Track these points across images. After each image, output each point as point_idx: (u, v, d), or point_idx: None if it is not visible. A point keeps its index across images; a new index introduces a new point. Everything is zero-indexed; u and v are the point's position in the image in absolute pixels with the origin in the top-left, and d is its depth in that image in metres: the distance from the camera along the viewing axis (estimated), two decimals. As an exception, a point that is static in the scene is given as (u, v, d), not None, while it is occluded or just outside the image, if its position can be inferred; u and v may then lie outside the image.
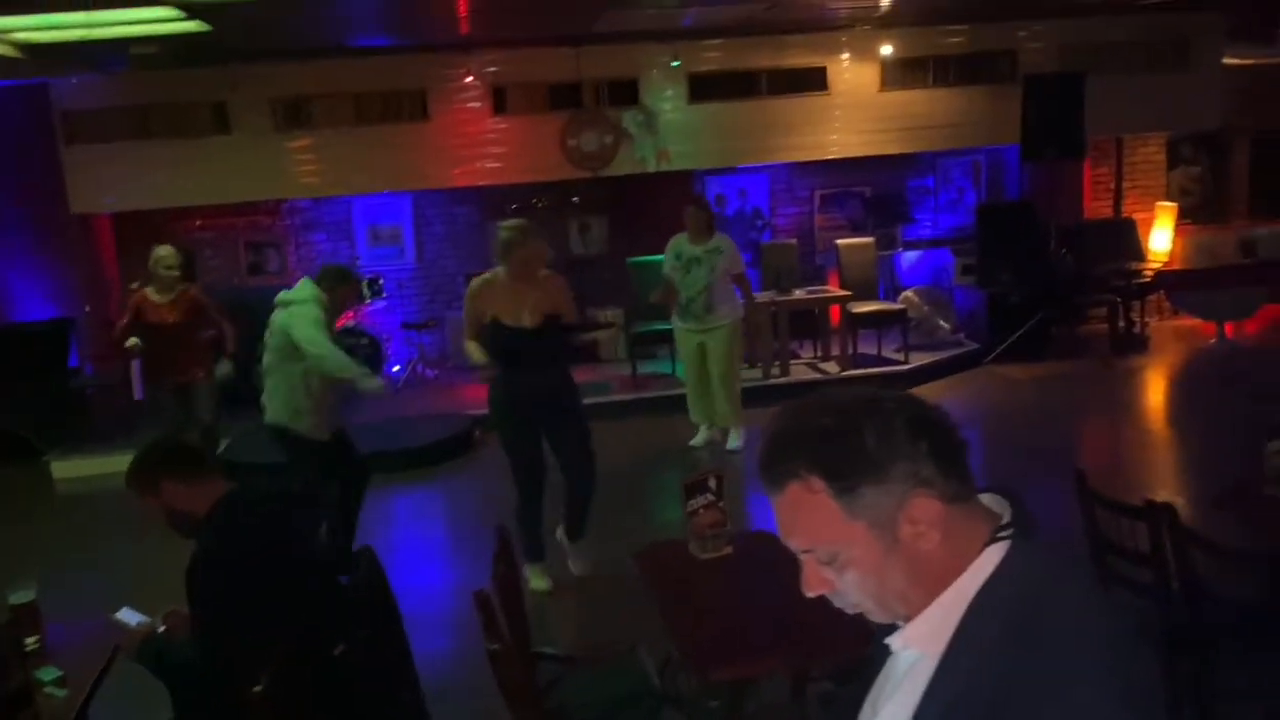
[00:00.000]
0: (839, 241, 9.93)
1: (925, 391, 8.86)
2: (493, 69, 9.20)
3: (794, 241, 10.17)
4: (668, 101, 9.52)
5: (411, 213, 10.30)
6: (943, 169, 10.84)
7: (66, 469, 7.82)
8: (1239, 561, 2.96)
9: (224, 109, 8.93)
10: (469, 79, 9.14)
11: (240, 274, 10.11)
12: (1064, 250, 9.48)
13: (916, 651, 1.27)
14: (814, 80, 9.67)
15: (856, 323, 9.38)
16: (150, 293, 6.80)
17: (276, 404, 5.12)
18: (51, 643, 3.21)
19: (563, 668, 3.29)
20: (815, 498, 1.23)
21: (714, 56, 9.51)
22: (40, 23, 6.22)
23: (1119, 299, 9.73)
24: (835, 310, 9.42)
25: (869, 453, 1.21)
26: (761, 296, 9.11)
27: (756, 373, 9.00)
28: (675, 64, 9.29)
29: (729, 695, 2.94)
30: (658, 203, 9.59)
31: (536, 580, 5.14)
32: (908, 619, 1.27)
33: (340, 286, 5.20)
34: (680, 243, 6.97)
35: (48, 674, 2.91)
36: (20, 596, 3.16)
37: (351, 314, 9.77)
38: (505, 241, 4.92)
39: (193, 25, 6.47)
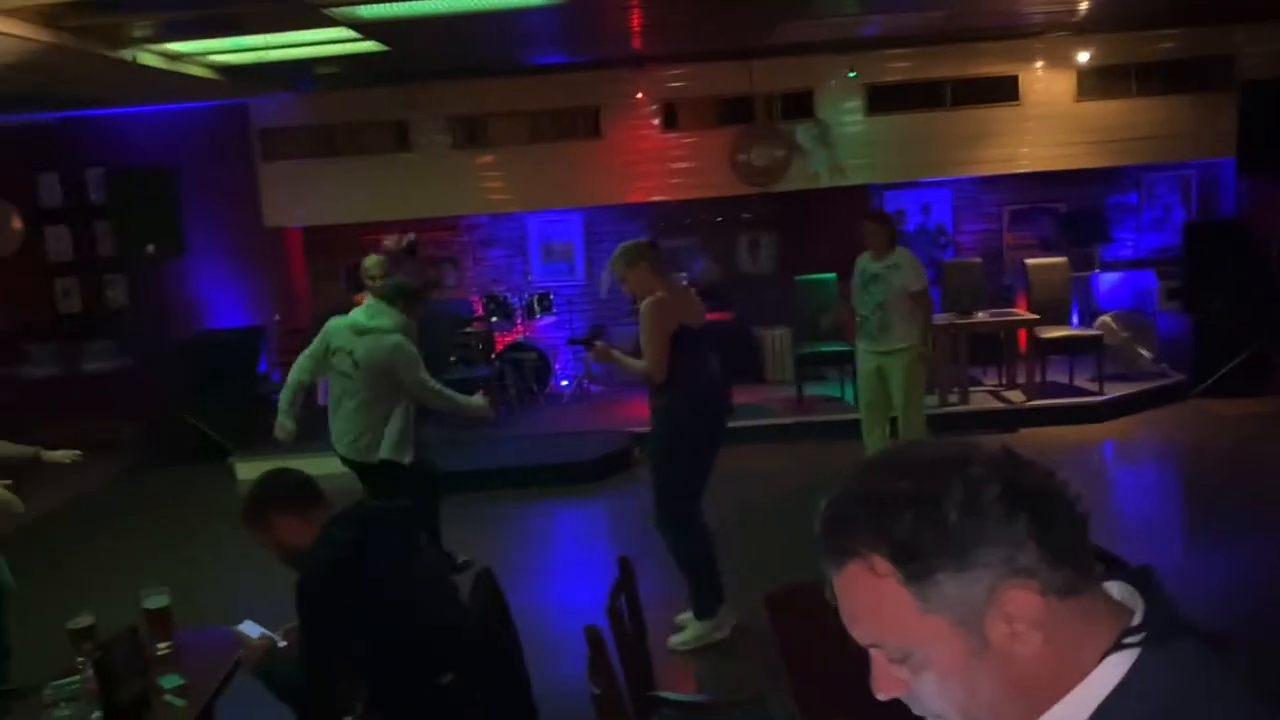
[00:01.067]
0: (1028, 261, 9.30)
1: (1122, 426, 8.17)
2: (664, 85, 9.14)
3: (979, 260, 9.60)
4: (844, 114, 9.19)
5: (583, 230, 10.35)
6: (1147, 184, 10.00)
7: (250, 470, 8.19)
8: None
9: (405, 127, 9.23)
10: (640, 95, 9.10)
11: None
12: (1286, 273, 8.54)
13: None
14: (1004, 90, 9.12)
15: (1046, 349, 8.75)
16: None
17: (356, 436, 5.08)
18: (184, 647, 3.26)
19: (684, 716, 3.08)
20: (881, 582, 0.98)
21: (895, 67, 9.12)
22: (231, 45, 6.56)
23: (1353, 328, 8.66)
24: (1023, 335, 8.82)
25: (949, 530, 0.95)
26: (941, 318, 8.64)
27: (934, 399, 8.52)
28: (852, 75, 8.95)
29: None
30: (831, 219, 9.28)
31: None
32: None
33: (418, 305, 5.24)
34: (863, 259, 6.63)
35: (170, 681, 2.94)
36: (153, 601, 3.22)
37: (520, 329, 9.92)
38: (659, 255, 4.78)
39: (370, 45, 6.67)
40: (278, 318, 9.41)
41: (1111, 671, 0.96)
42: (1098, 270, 9.72)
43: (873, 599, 1.00)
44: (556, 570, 6.28)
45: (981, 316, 8.57)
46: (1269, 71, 8.61)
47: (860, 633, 1.04)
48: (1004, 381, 8.91)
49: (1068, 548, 0.98)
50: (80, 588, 5.93)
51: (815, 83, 9.15)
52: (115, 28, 5.91)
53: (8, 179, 9.14)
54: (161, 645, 3.18)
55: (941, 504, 0.96)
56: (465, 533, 6.48)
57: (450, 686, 2.81)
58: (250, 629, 3.06)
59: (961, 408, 8.40)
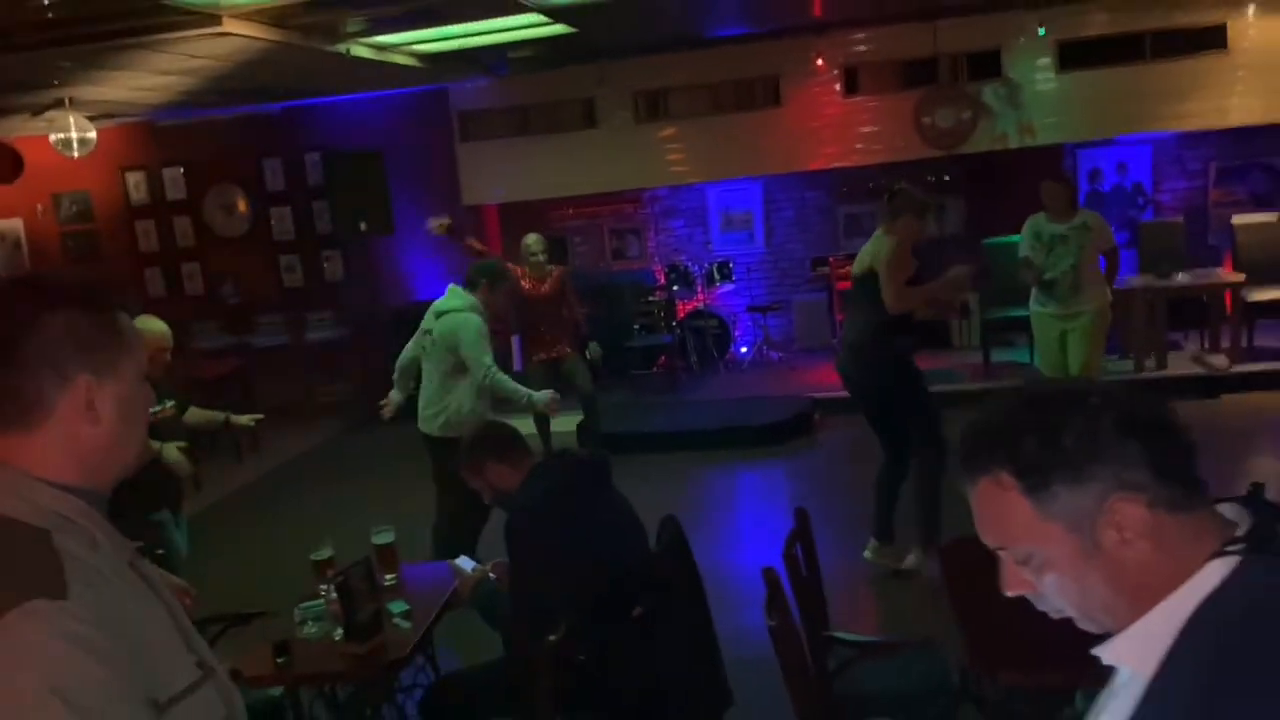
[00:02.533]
0: (1235, 220, 8.80)
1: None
2: (845, 50, 9.11)
3: (1180, 220, 9.15)
4: (1034, 72, 8.91)
5: (762, 198, 10.47)
6: (1377, 133, 9.24)
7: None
8: None
9: (591, 104, 9.58)
10: (820, 61, 9.11)
11: (605, 259, 10.82)
12: None
13: (1129, 669, 1.16)
14: (1211, 39, 8.60)
15: (1255, 311, 8.29)
16: (524, 274, 7.43)
17: (435, 415, 5.13)
18: (407, 579, 3.69)
19: (858, 654, 3.26)
20: (1006, 495, 1.16)
21: (1090, 20, 8.76)
22: (432, 35, 7.04)
23: None
24: (1229, 297, 8.38)
25: (1065, 451, 1.12)
26: (1138, 281, 8.34)
27: (1128, 364, 8.24)
28: (1042, 32, 8.66)
29: (1036, 702, 2.77)
30: (1020, 180, 9.02)
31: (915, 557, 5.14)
32: (1113, 630, 1.16)
33: (500, 285, 5.14)
34: (1039, 222, 6.50)
35: (397, 607, 3.35)
36: (382, 538, 3.66)
37: (701, 297, 10.16)
38: (920, 202, 5.01)
39: (559, 28, 7.02)
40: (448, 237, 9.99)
41: (1213, 575, 1.09)
42: (1317, 227, 9.07)
43: (999, 509, 1.17)
44: (737, 526, 6.52)
45: (1182, 278, 8.20)
46: None
47: (990, 539, 1.21)
48: (1207, 345, 8.49)
49: (1176, 467, 1.12)
50: (313, 529, 6.56)
51: (1003, 41, 8.90)
52: (332, 24, 6.47)
53: (238, 165, 10.07)
54: (389, 576, 3.61)
55: (1060, 430, 1.13)
56: (648, 491, 6.81)
57: (639, 620, 3.09)
58: (465, 563, 3.44)
59: (1158, 373, 8.09)
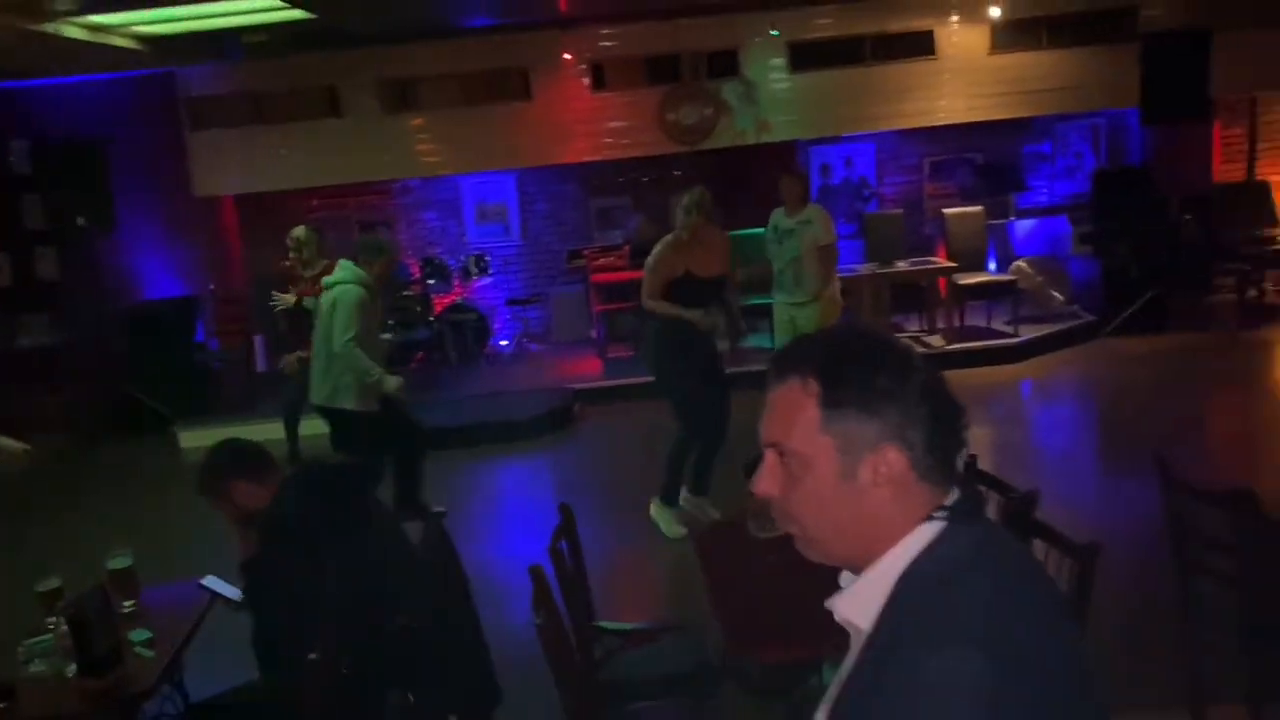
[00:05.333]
0: (945, 211, 9.67)
1: (1037, 365, 8.61)
2: (592, 45, 9.25)
3: (899, 211, 9.94)
4: (768, 71, 9.40)
5: (516, 191, 10.47)
6: (1060, 134, 10.41)
7: (193, 438, 8.28)
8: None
9: (335, 93, 9.24)
10: (568, 56, 9.21)
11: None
12: (1187, 217, 8.99)
13: (856, 627, 1.28)
14: (921, 45, 9.40)
15: (964, 294, 9.14)
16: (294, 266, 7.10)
17: (322, 384, 5.42)
18: (150, 604, 3.44)
19: (623, 642, 3.35)
20: (805, 399, 1.26)
21: (816, 24, 9.34)
22: (154, 16, 6.56)
23: (1248, 268, 9.19)
24: (943, 282, 9.19)
25: (873, 385, 1.23)
26: (864, 268, 8.97)
27: (858, 346, 8.86)
28: (775, 33, 9.15)
29: (788, 674, 2.96)
30: (759, 175, 9.51)
31: (677, 528, 5.49)
32: (828, 561, 1.30)
33: (378, 259, 5.43)
34: (777, 215, 6.90)
35: (139, 635, 3.12)
36: (118, 563, 3.40)
37: (458, 291, 10.06)
38: (697, 202, 5.37)
39: (296, 13, 6.71)
40: (213, 287, 9.44)
41: (922, 536, 1.24)
42: (1013, 217, 10.12)
43: (791, 409, 1.27)
44: (503, 522, 6.52)
45: (902, 266, 8.92)
46: (1169, 23, 9.01)
47: (770, 432, 1.30)
48: (925, 327, 9.29)
49: (943, 447, 1.25)
50: (36, 558, 6.00)
51: (739, 41, 9.33)
52: (35, 0, 5.90)
53: (-71, 153, 8.98)
54: (127, 603, 3.36)
55: (879, 368, 1.24)
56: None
57: (404, 627, 3.04)
58: (212, 583, 3.25)
59: (886, 354, 8.74)
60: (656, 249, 5.42)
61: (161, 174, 9.16)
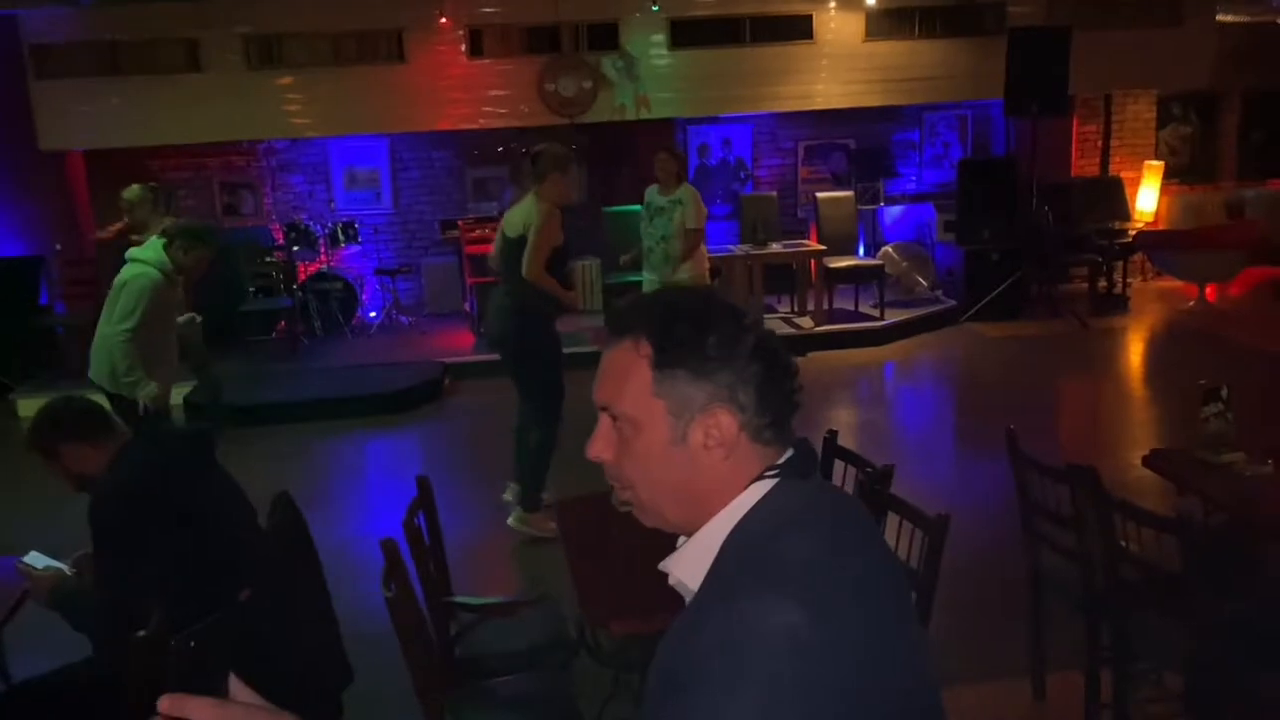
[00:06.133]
0: (818, 195, 9.83)
1: (900, 348, 8.85)
2: (470, 10, 9.04)
3: (774, 194, 10.06)
4: (648, 47, 9.36)
5: (388, 156, 10.18)
6: (928, 123, 10.69)
7: (32, 406, 7.72)
8: (1156, 527, 2.93)
9: (195, 46, 8.78)
10: (444, 20, 8.97)
11: (215, 216, 10.00)
12: (1045, 208, 9.37)
13: (688, 586, 1.25)
14: (799, 28, 9.50)
15: (833, 278, 9.31)
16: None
17: (99, 363, 4.91)
18: (-33, 581, 3.20)
19: (478, 617, 3.28)
20: (636, 361, 1.23)
21: (698, 1, 9.34)
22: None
23: (1100, 259, 9.64)
24: (814, 265, 9.35)
25: (703, 348, 1.21)
26: (738, 249, 9.05)
27: (731, 325, 8.95)
28: (655, 9, 9.11)
29: (645, 646, 2.94)
30: (638, 151, 9.48)
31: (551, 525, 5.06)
32: (664, 526, 1.28)
33: (196, 249, 4.89)
34: (651, 192, 6.87)
35: (-49, 613, 2.90)
36: (-70, 535, 3.14)
37: (324, 258, 9.73)
38: (563, 157, 4.99)
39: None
40: (59, 247, 8.88)
41: (752, 495, 1.22)
42: (883, 204, 10.36)
43: (623, 371, 1.24)
44: (363, 498, 6.35)
45: (775, 247, 9.03)
46: (1034, 19, 9.34)
47: (602, 394, 1.27)
48: (795, 309, 9.44)
49: (776, 408, 1.24)
50: None
51: (620, 14, 9.26)
52: None
53: None
54: (-59, 580, 3.11)
55: (709, 329, 1.21)
56: (271, 464, 6.45)
57: (246, 603, 2.90)
58: (36, 560, 3.03)
59: (757, 333, 8.85)
60: (538, 216, 4.91)
61: (1, 125, 8.55)
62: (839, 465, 3.45)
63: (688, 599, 1.26)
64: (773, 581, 1.10)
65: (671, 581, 1.28)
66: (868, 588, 1.16)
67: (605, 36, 9.27)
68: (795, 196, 10.56)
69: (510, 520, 5.22)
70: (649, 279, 6.90)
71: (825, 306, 9.22)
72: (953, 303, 9.58)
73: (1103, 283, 9.80)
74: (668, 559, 1.29)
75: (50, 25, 8.54)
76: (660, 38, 9.35)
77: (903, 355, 8.79)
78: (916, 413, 7.82)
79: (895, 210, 10.47)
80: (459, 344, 9.03)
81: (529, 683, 3.14)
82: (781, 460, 1.24)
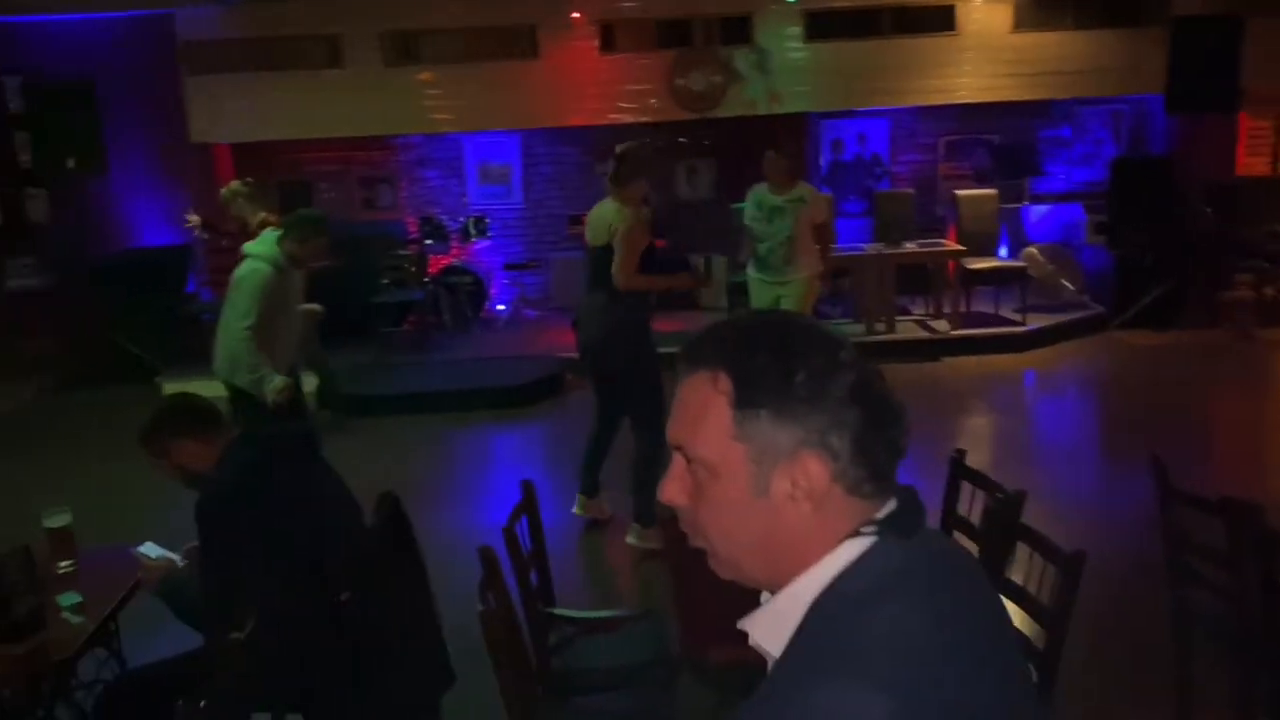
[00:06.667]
0: (957, 192, 9.42)
1: (1042, 356, 8.38)
2: (602, 4, 8.99)
3: (911, 191, 9.69)
4: (782, 40, 9.12)
5: (520, 152, 10.24)
6: (1080, 118, 10.11)
7: (175, 389, 8.12)
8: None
9: (336, 42, 9.00)
10: (577, 15, 8.94)
11: (355, 208, 10.26)
12: (1207, 209, 8.72)
13: (769, 652, 1.10)
14: (941, 20, 9.11)
15: (972, 279, 8.91)
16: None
17: (221, 359, 4.96)
18: (88, 566, 3.29)
19: (579, 630, 3.19)
20: (714, 397, 1.08)
21: (835, -8, 9.06)
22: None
23: (1267, 265, 8.92)
24: (952, 265, 8.96)
25: (791, 384, 1.05)
26: (871, 248, 8.75)
27: (860, 328, 8.67)
28: (791, 0, 8.86)
29: (747, 676, 2.79)
30: (769, 146, 9.24)
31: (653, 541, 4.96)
32: (741, 581, 1.13)
33: (311, 239, 4.90)
34: (761, 192, 6.65)
35: (67, 599, 2.97)
36: (54, 520, 3.24)
37: (455, 252, 9.86)
38: (648, 162, 4.86)
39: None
40: (206, 237, 9.24)
41: (844, 554, 1.06)
42: (1027, 202, 9.86)
43: (700, 408, 1.09)
44: (473, 493, 6.36)
45: (910, 247, 8.69)
46: (1201, 9, 8.70)
47: (677, 432, 1.12)
48: (931, 311, 9.06)
49: (876, 457, 1.07)
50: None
51: (754, 7, 9.06)
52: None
53: (-80, 87, 8.80)
54: (63, 564, 3.21)
55: (798, 362, 1.05)
56: (388, 456, 6.54)
57: (347, 604, 2.87)
58: (150, 550, 3.09)
59: (887, 336, 8.55)
60: (623, 220, 4.73)
61: (156, 118, 8.95)
62: (966, 489, 3.21)
63: (769, 663, 1.12)
64: (858, 666, 0.95)
65: (751, 643, 1.14)
66: (970, 668, 1.00)
67: (738, 30, 9.09)
68: (934, 194, 10.15)
69: (629, 538, 5.08)
70: (763, 279, 6.67)
71: (962, 309, 8.83)
72: (1101, 309, 9.04)
73: (1269, 290, 9.07)
74: (748, 618, 1.13)
75: (202, 23, 8.89)
76: (795, 30, 9.11)
77: (1045, 363, 8.33)
78: (1057, 426, 7.37)
79: (1041, 210, 9.94)
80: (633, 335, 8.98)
81: (628, 701, 3.03)
82: (881, 515, 1.08)
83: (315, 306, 5.63)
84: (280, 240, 4.88)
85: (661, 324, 8.72)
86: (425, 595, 3.21)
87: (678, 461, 1.13)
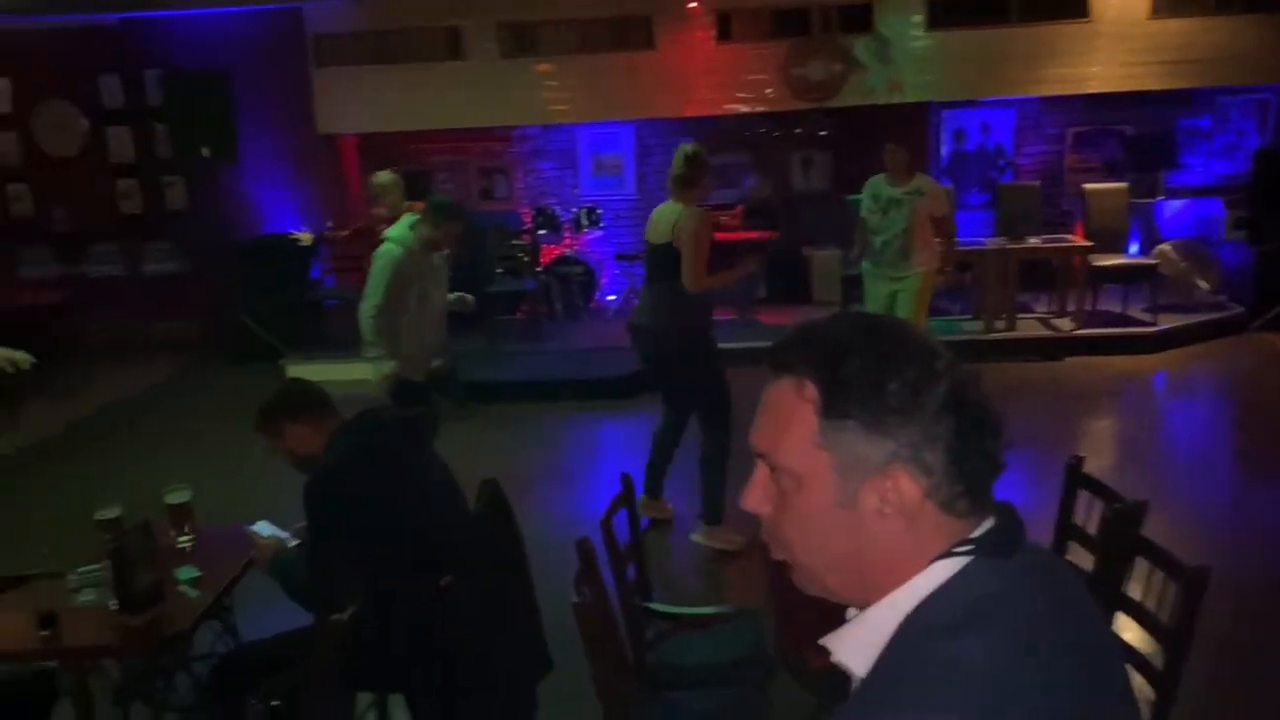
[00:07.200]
0: (1085, 186, 9.03)
1: (1174, 358, 7.98)
2: (718, -6, 8.92)
3: (1037, 184, 9.34)
4: (905, 28, 8.89)
5: (634, 143, 10.25)
6: (1221, 108, 9.57)
7: (298, 372, 8.41)
8: None
9: (457, 34, 9.16)
10: (693, 4, 8.89)
11: (473, 199, 10.44)
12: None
13: (853, 671, 1.05)
14: (1073, 6, 8.73)
15: (1099, 277, 8.54)
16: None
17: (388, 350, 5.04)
18: (205, 542, 3.42)
19: (674, 626, 3.17)
20: (800, 403, 1.03)
21: (960, -21, 8.77)
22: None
23: None
24: (1079, 262, 8.61)
25: (883, 393, 1.00)
26: (993, 243, 8.47)
27: (979, 325, 8.41)
28: (915, -13, 8.64)
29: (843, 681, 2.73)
30: (888, 137, 9.02)
31: (736, 537, 4.95)
32: (824, 595, 1.08)
33: (444, 223, 4.99)
34: (878, 184, 6.50)
35: (186, 573, 3.10)
36: (175, 496, 3.38)
37: (569, 242, 9.94)
38: (705, 162, 4.82)
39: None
40: (330, 224, 9.55)
41: (936, 574, 1.00)
42: (1162, 197, 9.39)
43: (785, 414, 1.05)
44: (575, 483, 6.39)
45: (1035, 241, 8.37)
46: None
47: (760, 440, 1.08)
48: (1054, 309, 8.72)
49: (972, 472, 1.01)
50: (122, 480, 6.18)
51: (875, -6, 8.86)
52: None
53: (72, 80, 9.32)
54: (182, 539, 3.34)
55: (890, 371, 1.00)
56: (496, 442, 6.64)
57: (448, 589, 2.92)
58: (263, 528, 3.20)
59: (1008, 334, 8.27)
60: (691, 220, 4.70)
61: (285, 109, 9.26)
62: (1083, 497, 3.06)
63: (853, 683, 1.07)
64: (945, 699, 0.90)
65: (834, 660, 1.09)
66: (1064, 701, 0.93)
67: (858, 18, 8.90)
68: (1060, 187, 9.76)
69: (694, 536, 5.06)
70: (879, 273, 6.52)
71: (1088, 308, 8.47)
72: (1240, 309, 8.55)
73: None
74: (832, 635, 1.09)
75: (330, 16, 9.16)
76: (918, 18, 8.86)
77: (1176, 366, 7.93)
78: (1186, 433, 7.00)
79: (1176, 204, 9.46)
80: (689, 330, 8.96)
81: (722, 699, 2.99)
82: (977, 533, 1.02)
83: (467, 296, 5.68)
84: (416, 224, 5.00)
85: (770, 317, 8.65)
86: (525, 582, 3.24)
87: (761, 469, 1.09)
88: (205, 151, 8.63)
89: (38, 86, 9.38)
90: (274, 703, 2.87)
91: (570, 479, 6.34)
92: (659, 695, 2.95)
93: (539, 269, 9.57)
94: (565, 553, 4.35)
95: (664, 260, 4.81)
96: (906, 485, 1.00)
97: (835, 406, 1.01)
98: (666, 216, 4.83)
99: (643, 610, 3.12)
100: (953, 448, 1.00)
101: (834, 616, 1.12)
